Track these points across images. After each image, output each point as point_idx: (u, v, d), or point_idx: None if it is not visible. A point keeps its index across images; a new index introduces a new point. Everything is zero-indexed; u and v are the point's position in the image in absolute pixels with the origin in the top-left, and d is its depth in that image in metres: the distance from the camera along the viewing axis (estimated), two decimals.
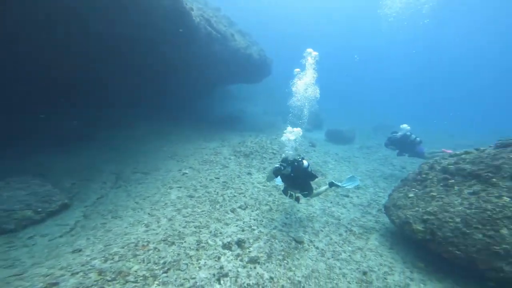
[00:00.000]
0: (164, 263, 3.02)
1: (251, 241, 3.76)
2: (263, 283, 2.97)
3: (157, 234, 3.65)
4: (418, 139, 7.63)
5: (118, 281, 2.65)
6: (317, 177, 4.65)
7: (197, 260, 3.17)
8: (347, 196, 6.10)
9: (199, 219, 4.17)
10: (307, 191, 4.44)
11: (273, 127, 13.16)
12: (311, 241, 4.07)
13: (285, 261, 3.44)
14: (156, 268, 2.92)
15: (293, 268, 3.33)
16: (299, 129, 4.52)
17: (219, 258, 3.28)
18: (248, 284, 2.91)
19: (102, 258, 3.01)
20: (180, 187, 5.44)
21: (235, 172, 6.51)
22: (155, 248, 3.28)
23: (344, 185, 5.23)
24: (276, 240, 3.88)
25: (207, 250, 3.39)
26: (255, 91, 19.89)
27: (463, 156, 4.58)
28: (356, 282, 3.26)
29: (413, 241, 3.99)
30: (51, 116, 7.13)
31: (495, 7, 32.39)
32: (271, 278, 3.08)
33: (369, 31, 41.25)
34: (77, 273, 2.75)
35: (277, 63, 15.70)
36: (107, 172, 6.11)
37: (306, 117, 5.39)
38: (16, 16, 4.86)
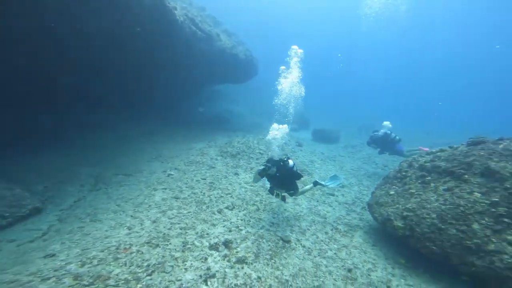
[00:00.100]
0: (148, 265, 2.91)
1: (238, 241, 3.72)
2: (251, 283, 2.95)
3: (140, 236, 3.51)
4: (397, 137, 7.90)
5: (96, 285, 2.51)
6: (302, 176, 4.71)
7: (183, 261, 3.08)
8: (333, 195, 6.24)
9: (185, 221, 4.07)
10: (293, 190, 4.49)
11: (260, 127, 13.20)
12: (298, 240, 4.11)
13: (273, 261, 3.45)
14: (140, 271, 2.80)
15: (281, 267, 3.35)
16: (285, 126, 4.51)
17: (206, 259, 3.21)
18: (235, 285, 2.88)
19: (79, 263, 2.84)
20: (165, 189, 5.29)
21: (222, 173, 6.44)
22: (138, 250, 3.15)
23: (327, 183, 5.34)
24: (264, 240, 3.88)
25: (193, 252, 3.31)
26: (243, 91, 19.89)
27: (438, 153, 4.80)
28: (341, 279, 3.33)
29: (394, 238, 4.14)
30: (23, 116, 6.64)
31: (475, 7, 33.96)
32: (259, 277, 3.07)
33: (352, 30, 42.20)
34: (49, 278, 2.57)
35: (264, 63, 15.80)
36: (85, 175, 5.79)
37: (291, 115, 5.38)
38: None
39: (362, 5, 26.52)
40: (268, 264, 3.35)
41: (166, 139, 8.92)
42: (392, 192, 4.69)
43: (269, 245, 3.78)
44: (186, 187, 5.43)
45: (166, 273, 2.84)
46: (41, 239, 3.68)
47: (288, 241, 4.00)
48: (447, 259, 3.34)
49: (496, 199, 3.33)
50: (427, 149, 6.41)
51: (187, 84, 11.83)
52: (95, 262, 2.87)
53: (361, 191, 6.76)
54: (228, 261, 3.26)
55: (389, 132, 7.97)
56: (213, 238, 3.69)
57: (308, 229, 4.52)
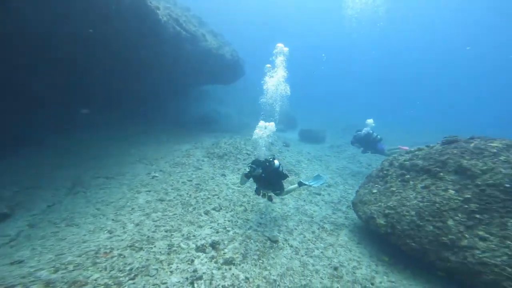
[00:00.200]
0: (131, 269, 2.78)
1: (225, 242, 3.67)
2: (239, 284, 2.91)
3: (122, 240, 3.35)
4: (379, 136, 8.17)
5: None
6: (288, 176, 4.72)
7: (169, 264, 2.98)
8: (319, 194, 6.36)
9: (170, 223, 3.95)
10: (279, 190, 4.50)
11: (248, 127, 13.17)
12: (285, 240, 4.13)
13: (261, 261, 3.43)
14: (121, 275, 2.67)
15: (269, 267, 3.34)
16: (272, 123, 4.44)
17: (192, 261, 3.13)
18: (223, 286, 2.83)
19: (52, 269, 2.66)
20: (149, 191, 5.10)
21: (209, 174, 6.34)
22: (120, 254, 3.01)
23: (311, 183, 5.39)
24: (251, 240, 3.86)
25: (179, 254, 3.21)
26: (231, 92, 19.79)
27: (416, 152, 5.02)
28: (328, 278, 3.38)
29: (377, 235, 4.26)
30: None
31: (456, 7, 35.71)
32: (247, 278, 3.04)
33: (335, 31, 43.12)
34: (14, 286, 2.38)
35: (251, 64, 15.83)
36: (61, 178, 5.42)
37: (278, 113, 5.32)
38: None
39: (344, 6, 27.43)
40: (256, 265, 3.33)
41: (151, 140, 8.65)
42: (375, 191, 4.84)
43: (256, 246, 3.76)
44: (172, 189, 5.28)
45: (151, 276, 2.73)
46: (8, 246, 3.41)
47: (276, 241, 4.00)
48: (425, 255, 3.43)
49: (469, 196, 3.50)
50: (406, 148, 6.69)
51: (174, 85, 11.58)
52: (70, 267, 2.70)
53: (346, 190, 6.95)
54: (216, 262, 3.20)
55: (371, 131, 8.20)
56: (200, 239, 3.61)
57: (295, 229, 4.55)
